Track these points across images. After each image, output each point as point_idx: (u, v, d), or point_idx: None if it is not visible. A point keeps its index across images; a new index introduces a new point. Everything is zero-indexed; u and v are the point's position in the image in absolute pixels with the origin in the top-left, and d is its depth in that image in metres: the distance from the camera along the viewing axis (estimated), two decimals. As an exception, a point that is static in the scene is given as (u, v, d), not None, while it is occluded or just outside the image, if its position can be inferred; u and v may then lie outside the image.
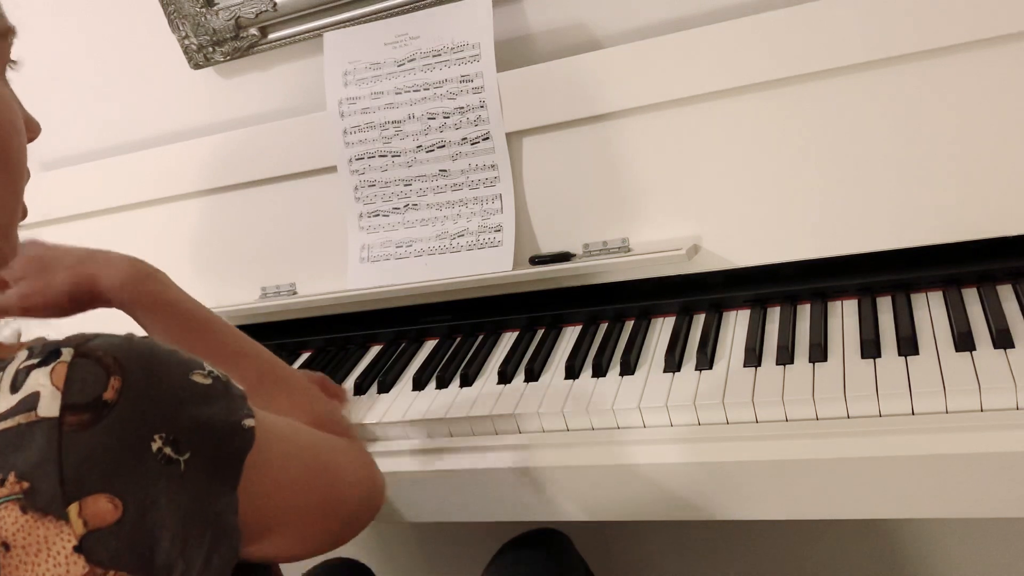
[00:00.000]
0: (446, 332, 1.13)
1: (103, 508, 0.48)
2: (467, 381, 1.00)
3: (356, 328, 1.18)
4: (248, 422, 0.56)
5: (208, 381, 0.55)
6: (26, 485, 0.47)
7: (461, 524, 0.97)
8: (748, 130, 0.96)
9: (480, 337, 1.09)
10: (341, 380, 1.09)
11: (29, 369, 0.49)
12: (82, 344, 0.51)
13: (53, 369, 0.49)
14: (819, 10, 0.91)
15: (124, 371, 0.50)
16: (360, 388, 1.05)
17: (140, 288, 0.81)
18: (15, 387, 0.49)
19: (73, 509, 0.47)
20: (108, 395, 0.49)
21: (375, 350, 1.15)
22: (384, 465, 0.95)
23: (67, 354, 0.50)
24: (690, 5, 1.04)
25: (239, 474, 0.55)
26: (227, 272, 1.25)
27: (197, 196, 1.24)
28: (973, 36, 0.86)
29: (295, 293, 1.20)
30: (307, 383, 0.85)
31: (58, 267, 0.81)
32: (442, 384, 1.01)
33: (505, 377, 0.98)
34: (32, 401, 0.48)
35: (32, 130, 0.64)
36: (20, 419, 0.48)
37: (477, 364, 1.02)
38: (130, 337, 0.53)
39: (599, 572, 1.16)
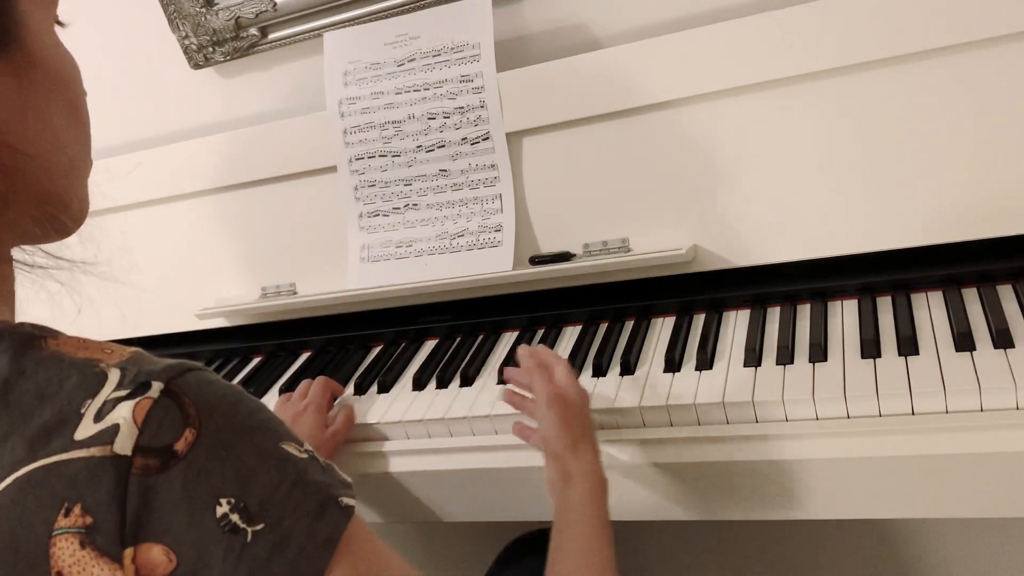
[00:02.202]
0: (446, 332, 1.13)
1: (156, 559, 0.47)
2: (467, 381, 1.00)
3: (356, 328, 1.18)
4: (347, 500, 0.52)
5: (302, 456, 0.52)
6: (89, 520, 0.46)
7: (464, 524, 0.97)
8: (748, 130, 0.96)
9: (480, 337, 1.09)
10: (341, 380, 1.09)
11: (117, 401, 0.48)
12: (175, 379, 0.49)
13: (138, 404, 0.47)
14: (819, 10, 0.91)
15: (202, 424, 0.48)
16: (360, 388, 1.05)
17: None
18: (99, 416, 0.47)
19: (128, 554, 0.46)
20: (179, 446, 0.47)
21: (375, 350, 1.15)
22: (384, 465, 0.95)
23: (155, 389, 0.48)
24: (690, 5, 1.04)
25: (325, 559, 0.50)
26: (227, 272, 1.25)
27: (197, 196, 1.24)
28: (972, 37, 0.86)
29: (295, 293, 1.20)
30: None
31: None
32: (442, 384, 1.01)
33: (505, 377, 0.98)
34: (111, 434, 0.47)
35: None
36: (96, 451, 0.46)
37: (477, 364, 1.02)
38: (232, 392, 0.51)
39: (599, 572, 1.16)
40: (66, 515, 0.46)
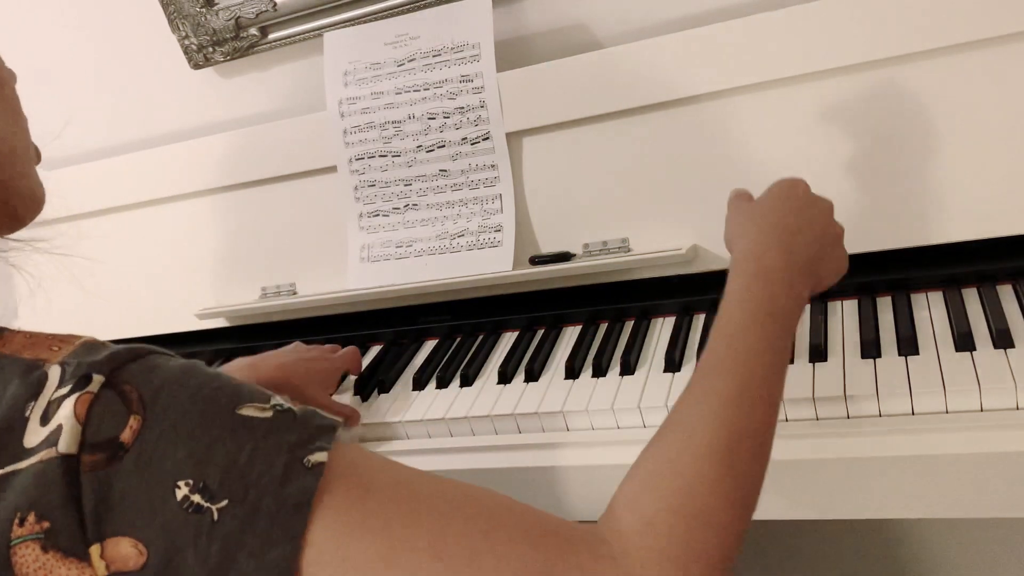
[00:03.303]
0: (446, 332, 1.13)
1: (126, 552, 0.46)
2: (467, 381, 0.99)
3: (356, 328, 1.18)
4: (315, 457, 0.49)
5: (265, 415, 0.49)
6: (46, 525, 0.45)
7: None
8: (748, 129, 0.96)
9: (480, 337, 1.09)
10: (341, 380, 1.09)
11: (60, 400, 0.47)
12: (116, 371, 0.48)
13: (79, 399, 0.46)
14: (818, 11, 0.91)
15: (147, 410, 0.47)
16: (360, 388, 1.05)
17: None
18: (45, 419, 0.46)
19: (95, 551, 0.46)
20: (124, 436, 0.46)
21: (375, 350, 1.15)
22: (384, 465, 0.95)
23: (96, 383, 0.47)
24: (690, 5, 1.03)
25: (299, 523, 0.47)
26: (227, 272, 1.25)
27: (196, 196, 1.24)
28: (974, 36, 0.86)
29: (295, 293, 1.20)
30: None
31: None
32: (442, 384, 1.01)
33: (505, 377, 0.98)
34: (55, 436, 0.46)
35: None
36: (42, 455, 0.46)
37: (477, 364, 1.02)
38: (178, 369, 0.50)
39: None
40: (20, 524, 0.45)
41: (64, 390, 0.47)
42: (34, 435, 0.46)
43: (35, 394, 0.47)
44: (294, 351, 1.02)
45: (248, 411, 0.49)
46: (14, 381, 0.48)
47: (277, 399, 0.51)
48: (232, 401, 0.49)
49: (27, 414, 0.47)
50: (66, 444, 0.46)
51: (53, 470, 0.45)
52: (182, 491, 0.46)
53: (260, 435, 0.49)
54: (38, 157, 0.61)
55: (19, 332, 0.52)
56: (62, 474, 0.45)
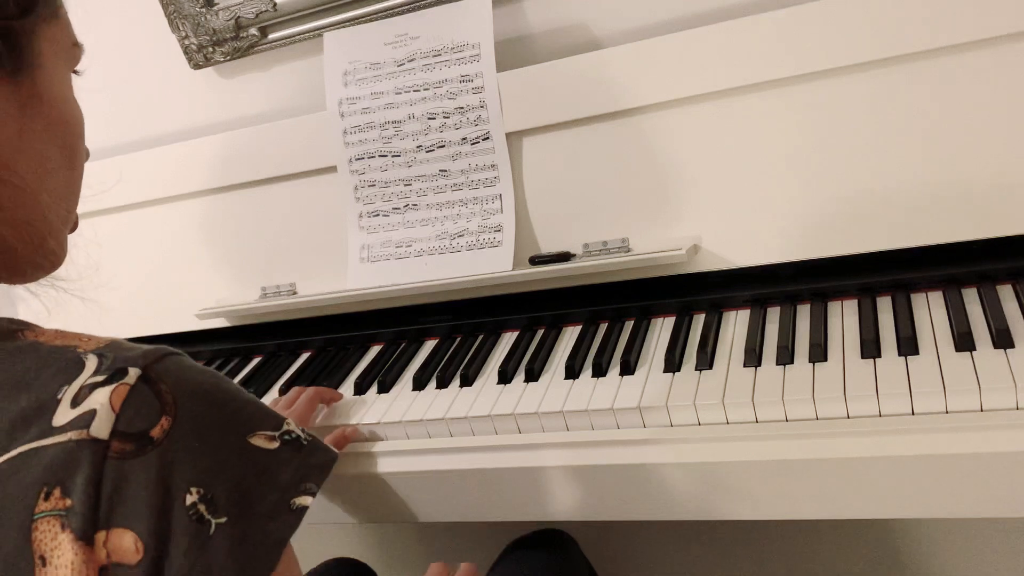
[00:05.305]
0: (446, 332, 1.13)
1: (127, 545, 0.47)
2: (467, 381, 1.00)
3: (356, 328, 1.18)
4: (300, 500, 0.54)
5: (272, 445, 0.53)
6: (68, 503, 0.47)
7: (464, 524, 0.97)
8: (748, 130, 0.96)
9: (480, 337, 1.09)
10: (341, 380, 1.09)
11: (93, 387, 0.49)
12: (151, 366, 0.50)
13: (115, 390, 0.48)
14: (818, 10, 0.91)
15: (178, 412, 0.49)
16: (360, 388, 1.05)
17: None
18: (76, 402, 0.48)
19: (100, 537, 0.47)
20: (155, 432, 0.48)
21: (375, 350, 1.15)
22: (385, 465, 0.95)
23: (132, 375, 0.49)
24: (690, 5, 1.03)
25: (274, 560, 0.52)
26: (227, 272, 1.25)
27: (196, 196, 1.24)
28: (973, 36, 0.86)
29: (295, 293, 1.20)
30: None
31: None
32: (442, 384, 1.01)
33: (505, 377, 0.98)
34: (87, 419, 0.48)
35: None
36: (72, 435, 0.47)
37: (477, 364, 1.02)
38: (208, 380, 0.52)
39: (603, 573, 1.16)
40: (46, 499, 0.47)
41: (99, 378, 0.49)
42: (63, 415, 0.48)
43: (70, 379, 0.49)
44: None
45: (257, 440, 0.53)
46: (52, 365, 0.50)
47: (288, 425, 0.55)
48: (246, 427, 0.53)
49: (59, 396, 0.49)
50: (98, 429, 0.48)
51: (82, 451, 0.47)
52: (192, 497, 0.49)
53: (262, 467, 0.53)
54: (75, 225, 0.63)
55: (48, 328, 0.54)
56: (90, 456, 0.47)
